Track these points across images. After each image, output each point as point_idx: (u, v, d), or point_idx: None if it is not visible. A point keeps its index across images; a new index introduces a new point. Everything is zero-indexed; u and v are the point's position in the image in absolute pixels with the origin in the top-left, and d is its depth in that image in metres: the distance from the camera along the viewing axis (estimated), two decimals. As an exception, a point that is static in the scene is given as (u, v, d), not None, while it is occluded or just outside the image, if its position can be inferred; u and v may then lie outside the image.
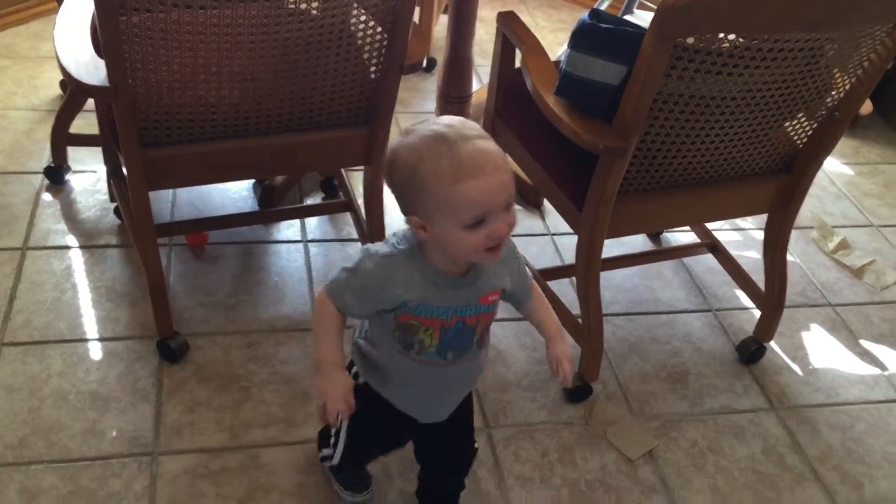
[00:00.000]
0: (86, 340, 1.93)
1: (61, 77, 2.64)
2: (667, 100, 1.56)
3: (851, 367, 2.13)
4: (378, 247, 1.27)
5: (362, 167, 2.01)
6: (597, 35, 1.56)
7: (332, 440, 1.54)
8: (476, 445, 1.61)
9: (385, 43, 1.73)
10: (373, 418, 1.41)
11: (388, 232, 1.71)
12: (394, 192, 1.22)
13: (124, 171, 1.72)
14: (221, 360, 1.93)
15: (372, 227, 2.03)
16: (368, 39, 1.72)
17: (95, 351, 1.91)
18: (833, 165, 2.93)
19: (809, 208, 2.67)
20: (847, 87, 1.73)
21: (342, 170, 2.30)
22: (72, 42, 1.66)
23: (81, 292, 2.05)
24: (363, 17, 1.68)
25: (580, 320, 1.89)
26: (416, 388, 1.38)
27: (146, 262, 1.82)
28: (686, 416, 1.94)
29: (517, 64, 1.94)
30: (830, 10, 1.48)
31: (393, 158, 1.19)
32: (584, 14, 1.60)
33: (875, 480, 1.85)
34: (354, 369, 1.41)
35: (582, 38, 1.58)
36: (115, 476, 1.65)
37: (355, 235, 2.28)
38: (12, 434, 1.71)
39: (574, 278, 2.01)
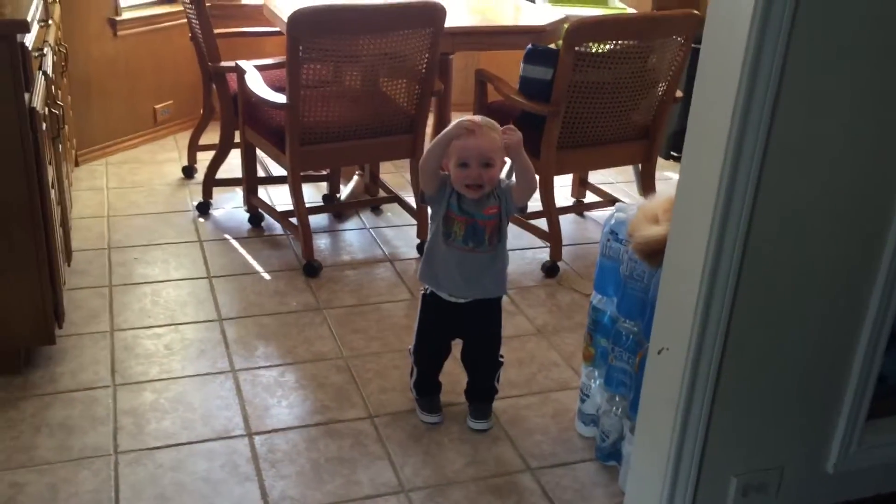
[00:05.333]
0: (256, 272, 3.24)
1: (181, 167, 4.07)
2: (575, 84, 3.08)
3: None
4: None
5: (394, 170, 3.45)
6: (535, 53, 3.11)
7: (415, 334, 2.37)
8: (502, 360, 2.38)
9: (422, 77, 3.22)
10: (430, 315, 2.31)
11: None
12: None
13: (286, 163, 3.12)
14: (341, 274, 3.25)
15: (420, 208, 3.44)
16: (414, 76, 3.22)
17: (266, 276, 3.22)
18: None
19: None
20: (668, 80, 3.30)
21: (382, 180, 3.74)
22: (262, 89, 3.10)
23: (245, 252, 3.38)
24: (414, 64, 3.19)
25: (548, 230, 3.31)
26: (449, 268, 2.20)
27: (297, 207, 3.18)
28: (614, 279, 3.33)
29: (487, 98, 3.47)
30: (649, 25, 3.09)
31: None
32: (529, 45, 3.15)
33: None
34: (422, 289, 2.33)
35: (528, 56, 3.13)
36: (297, 316, 2.94)
37: (396, 222, 3.69)
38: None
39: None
